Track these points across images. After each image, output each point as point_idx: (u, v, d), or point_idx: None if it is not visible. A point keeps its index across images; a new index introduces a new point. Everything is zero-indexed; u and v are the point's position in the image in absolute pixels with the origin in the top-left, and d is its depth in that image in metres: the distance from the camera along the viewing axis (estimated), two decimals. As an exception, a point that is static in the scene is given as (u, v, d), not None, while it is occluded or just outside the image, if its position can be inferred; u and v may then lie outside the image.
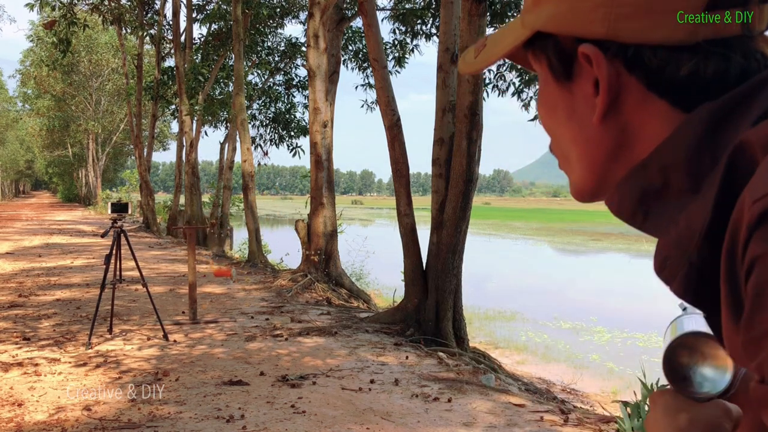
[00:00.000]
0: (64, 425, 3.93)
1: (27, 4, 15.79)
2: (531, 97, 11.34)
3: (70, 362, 5.39)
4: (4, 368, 5.15)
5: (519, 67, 11.06)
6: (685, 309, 0.66)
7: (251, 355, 5.79)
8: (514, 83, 11.52)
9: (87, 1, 18.89)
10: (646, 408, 3.57)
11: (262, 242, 13.59)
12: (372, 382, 5.07)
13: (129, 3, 20.84)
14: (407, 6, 12.35)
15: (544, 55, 0.57)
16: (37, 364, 5.29)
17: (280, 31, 19.31)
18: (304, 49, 16.04)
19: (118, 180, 60.10)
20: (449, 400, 4.68)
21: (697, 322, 0.59)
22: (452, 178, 6.63)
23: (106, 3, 19.37)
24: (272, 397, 4.59)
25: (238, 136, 15.01)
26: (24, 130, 55.64)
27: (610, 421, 4.37)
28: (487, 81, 11.11)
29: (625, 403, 3.65)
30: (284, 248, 17.99)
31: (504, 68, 11.46)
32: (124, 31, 23.40)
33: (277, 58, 19.20)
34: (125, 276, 6.47)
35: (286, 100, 18.99)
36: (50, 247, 16.05)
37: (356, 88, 15.07)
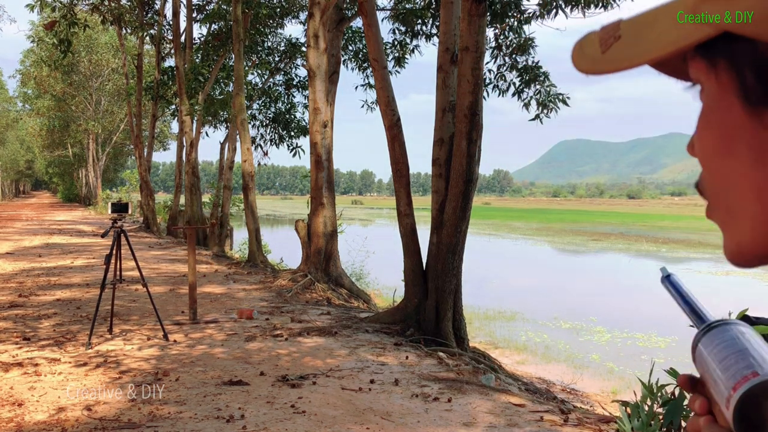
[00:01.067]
0: (64, 425, 3.93)
1: (27, 5, 15.79)
2: (531, 97, 11.32)
3: (70, 362, 5.39)
4: (4, 368, 5.15)
5: (519, 66, 10.75)
6: (668, 276, 0.56)
7: (251, 355, 5.79)
8: (514, 83, 11.51)
9: (87, 2, 18.89)
10: (646, 408, 3.57)
11: (262, 242, 13.59)
12: (372, 382, 5.07)
13: (129, 3, 20.85)
14: (407, 6, 12.35)
15: (730, 68, 0.41)
16: (37, 364, 5.28)
17: (280, 31, 19.31)
18: (304, 49, 16.03)
19: (119, 180, 60.12)
20: (449, 400, 4.68)
21: (745, 337, 0.47)
22: (452, 179, 6.63)
23: (106, 3, 19.37)
24: (272, 396, 4.59)
25: (238, 136, 14.99)
26: (24, 130, 55.66)
27: (610, 421, 4.37)
28: (487, 81, 11.10)
29: (625, 403, 3.65)
30: (284, 248, 17.99)
31: (504, 68, 11.45)
32: (124, 31, 23.39)
33: (277, 58, 19.20)
34: (125, 276, 6.47)
35: (286, 100, 19.00)
36: (50, 247, 16.06)
37: (356, 88, 15.07)
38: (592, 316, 12.72)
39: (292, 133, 18.40)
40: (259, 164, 18.16)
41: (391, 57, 12.96)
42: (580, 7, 10.12)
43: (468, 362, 5.93)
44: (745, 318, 0.60)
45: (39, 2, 15.73)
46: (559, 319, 12.36)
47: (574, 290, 17.53)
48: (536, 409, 4.59)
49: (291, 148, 18.11)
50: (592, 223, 60.59)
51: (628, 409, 3.56)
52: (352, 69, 15.33)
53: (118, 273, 6.14)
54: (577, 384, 7.74)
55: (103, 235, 6.43)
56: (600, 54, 0.45)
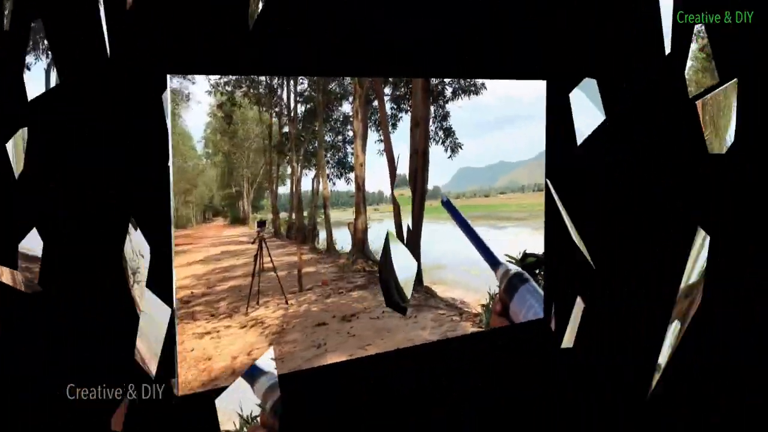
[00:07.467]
0: (234, 366, 4.87)
1: (206, 91, 17.28)
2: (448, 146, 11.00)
3: (236, 326, 6.34)
4: (200, 336, 6.32)
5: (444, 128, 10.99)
6: (446, 201, 0.31)
7: (328, 306, 6.88)
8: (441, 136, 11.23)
9: (240, 89, 20.13)
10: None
11: (333, 238, 14.28)
12: (383, 313, 5.72)
13: (264, 90, 21.76)
14: (397, 93, 12.59)
15: None
16: (218, 331, 6.45)
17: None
18: (351, 119, 16.66)
19: (260, 206, 62.21)
20: (415, 316, 4.96)
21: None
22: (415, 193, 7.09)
23: (252, 91, 20.51)
24: (338, 329, 5.41)
25: (319, 176, 15.97)
26: (207, 176, 58.26)
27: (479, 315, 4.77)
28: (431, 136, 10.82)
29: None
30: (342, 241, 18.65)
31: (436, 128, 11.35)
32: (261, 109, 24.20)
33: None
34: (265, 267, 7.38)
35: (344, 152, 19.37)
36: (224, 253, 17.61)
37: (374, 142, 15.52)
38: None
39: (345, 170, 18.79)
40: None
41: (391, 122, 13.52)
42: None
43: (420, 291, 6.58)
44: (525, 254, 0.60)
45: (213, 90, 17.28)
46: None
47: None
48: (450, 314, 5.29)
49: (346, 180, 18.40)
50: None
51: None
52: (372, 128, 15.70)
53: (261, 265, 7.16)
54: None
55: (252, 242, 7.43)
56: None
